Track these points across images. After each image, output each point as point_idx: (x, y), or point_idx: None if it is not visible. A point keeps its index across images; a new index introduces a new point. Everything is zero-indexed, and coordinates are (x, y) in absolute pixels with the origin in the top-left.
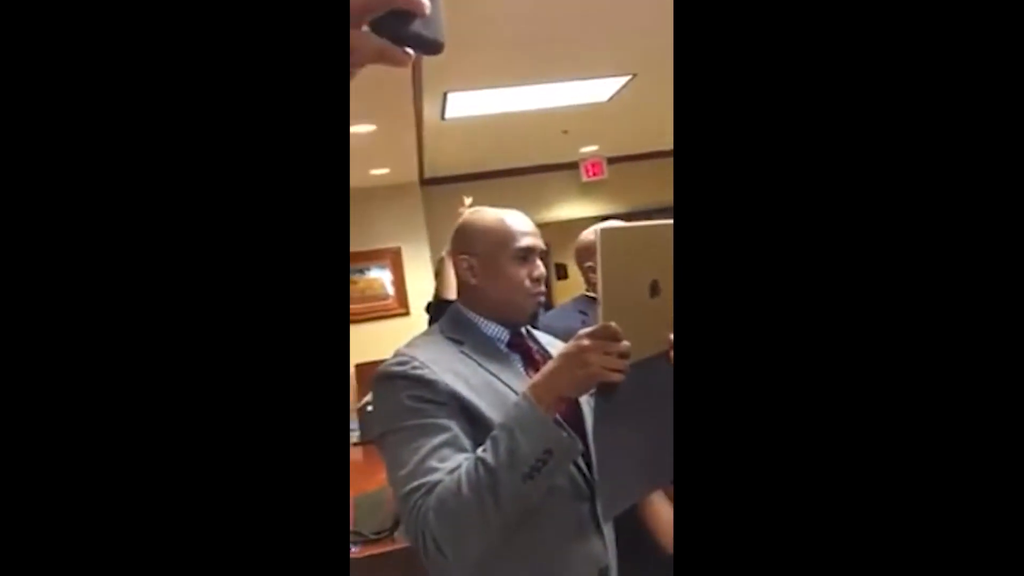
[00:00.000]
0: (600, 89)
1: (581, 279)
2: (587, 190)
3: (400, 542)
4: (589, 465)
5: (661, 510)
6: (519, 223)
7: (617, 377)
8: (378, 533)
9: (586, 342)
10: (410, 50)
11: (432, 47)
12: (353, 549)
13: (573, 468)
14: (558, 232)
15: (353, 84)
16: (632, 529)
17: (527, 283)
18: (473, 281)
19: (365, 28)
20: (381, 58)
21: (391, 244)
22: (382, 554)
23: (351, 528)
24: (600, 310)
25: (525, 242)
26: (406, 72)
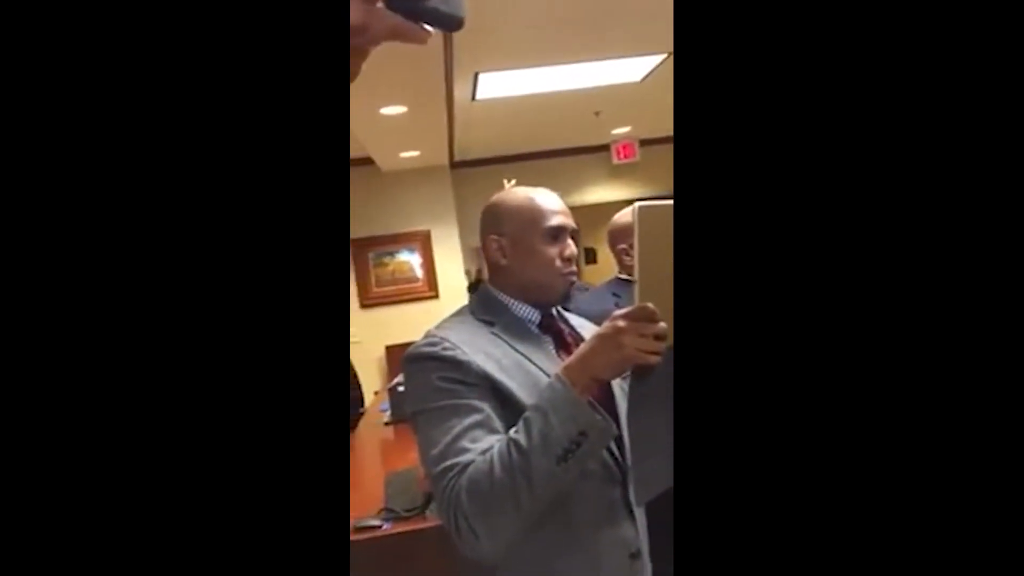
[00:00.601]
0: (634, 69)
1: (610, 263)
2: (618, 173)
3: (432, 520)
4: (621, 449)
5: None
6: (549, 202)
7: (653, 359)
8: (410, 510)
9: (622, 323)
10: (428, 26)
11: (451, 23)
12: (385, 526)
13: (605, 452)
14: (588, 216)
15: (384, 66)
16: (666, 511)
17: (557, 263)
18: (503, 262)
19: (380, 4)
20: (396, 35)
21: (420, 227)
22: (414, 531)
23: (383, 505)
24: (636, 290)
25: (555, 221)
26: (438, 52)
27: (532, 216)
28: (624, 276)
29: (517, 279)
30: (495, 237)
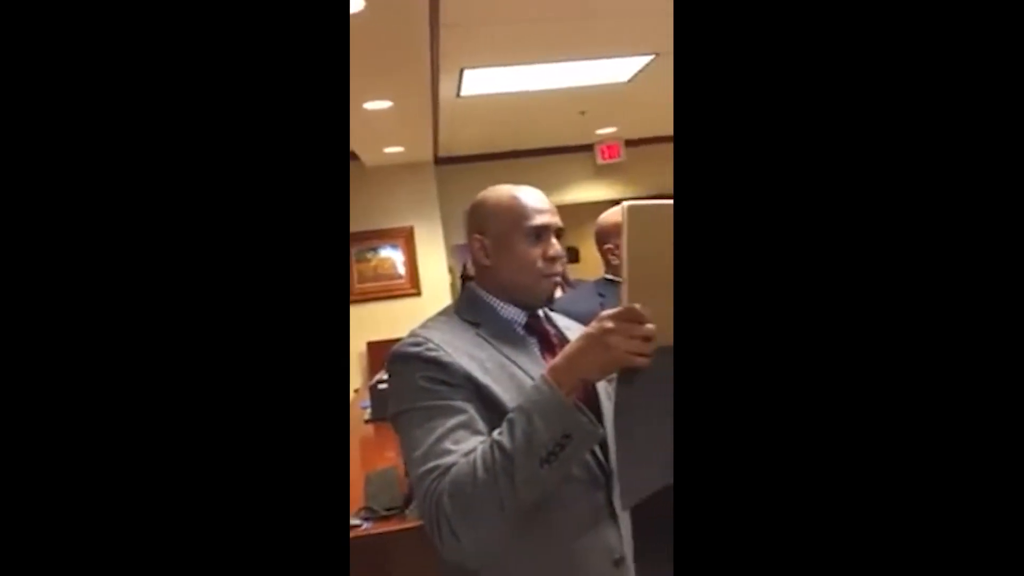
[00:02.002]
0: (621, 69)
1: (593, 263)
2: (602, 172)
3: (412, 520)
4: (605, 453)
5: None
6: (533, 200)
7: (641, 362)
8: (389, 510)
9: (609, 324)
10: None
11: None
12: (365, 525)
13: (589, 456)
14: (572, 215)
15: (370, 61)
16: (652, 516)
17: (540, 263)
18: (486, 262)
19: None
20: None
21: (404, 223)
22: (393, 532)
23: (363, 504)
24: (624, 291)
25: (539, 220)
26: (423, 48)
27: (514, 215)
28: (610, 276)
29: (500, 280)
30: (478, 236)
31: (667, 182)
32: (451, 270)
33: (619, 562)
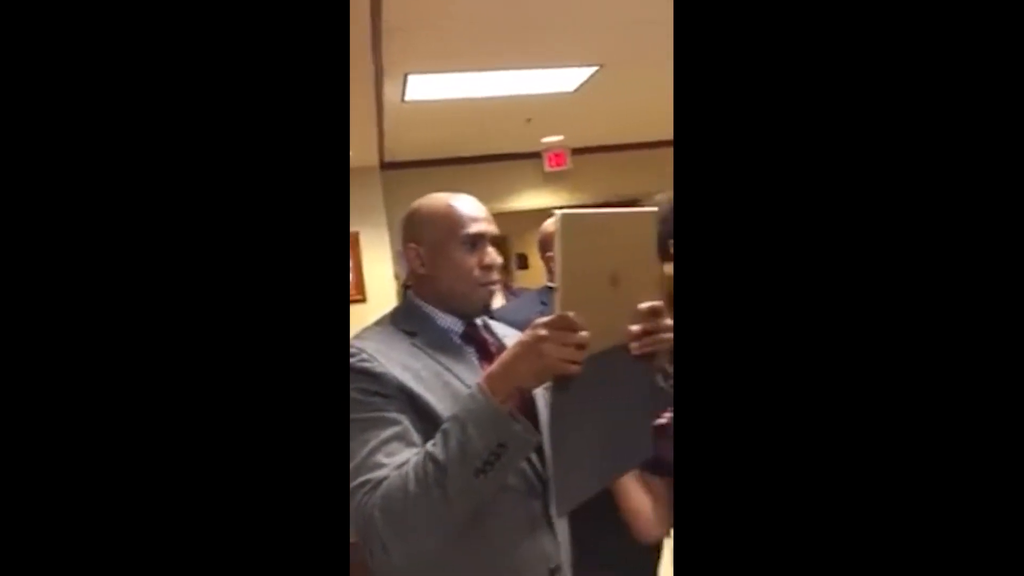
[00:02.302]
0: (566, 79)
1: (541, 270)
2: (550, 180)
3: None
4: (542, 460)
5: (633, 495)
6: (468, 208)
7: (574, 369)
8: None
9: (542, 332)
10: None
11: None
12: None
13: (525, 463)
14: (520, 222)
15: None
16: (588, 523)
17: (476, 272)
18: (422, 270)
19: None
20: None
21: (349, 229)
22: None
23: None
24: (557, 298)
25: (474, 228)
26: (366, 51)
27: (449, 223)
28: (552, 284)
29: (436, 288)
30: (413, 245)
31: (613, 190)
32: (397, 277)
33: (556, 571)
